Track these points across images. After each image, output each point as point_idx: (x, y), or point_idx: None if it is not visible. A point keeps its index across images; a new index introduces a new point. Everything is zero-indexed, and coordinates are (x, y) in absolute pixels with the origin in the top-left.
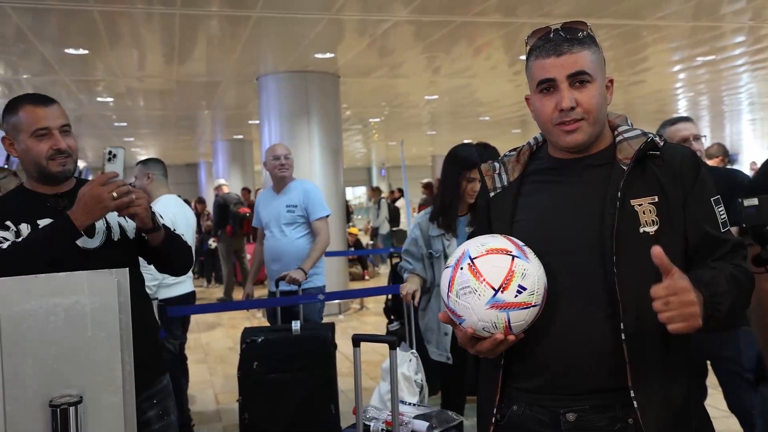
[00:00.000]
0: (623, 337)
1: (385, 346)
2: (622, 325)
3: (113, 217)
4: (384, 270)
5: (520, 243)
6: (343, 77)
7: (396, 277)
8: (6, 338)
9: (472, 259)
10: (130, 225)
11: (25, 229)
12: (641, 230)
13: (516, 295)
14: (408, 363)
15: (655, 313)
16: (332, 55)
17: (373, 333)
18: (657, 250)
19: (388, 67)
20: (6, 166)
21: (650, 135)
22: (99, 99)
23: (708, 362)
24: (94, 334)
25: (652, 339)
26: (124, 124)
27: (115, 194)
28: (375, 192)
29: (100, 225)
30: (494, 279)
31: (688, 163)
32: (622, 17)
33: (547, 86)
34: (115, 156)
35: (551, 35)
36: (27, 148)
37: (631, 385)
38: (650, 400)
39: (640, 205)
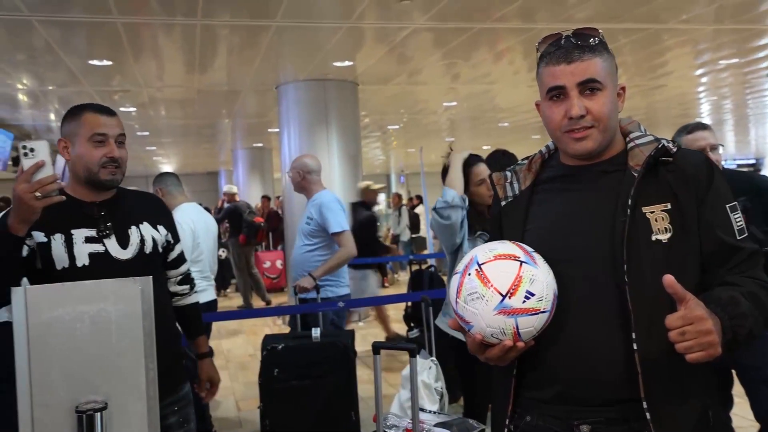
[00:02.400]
0: (635, 347)
1: (404, 354)
2: (633, 334)
3: (147, 230)
4: (404, 277)
5: (530, 249)
6: (362, 85)
7: (416, 284)
8: (34, 345)
9: (479, 265)
10: (160, 237)
11: (59, 239)
12: (653, 238)
13: (524, 301)
14: (428, 371)
15: None
16: (351, 63)
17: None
18: (669, 279)
19: (407, 75)
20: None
21: (662, 141)
22: (122, 109)
23: (733, 371)
24: (118, 341)
25: (665, 349)
26: (147, 133)
27: (38, 194)
28: (396, 199)
29: (134, 237)
30: (502, 284)
31: (701, 170)
32: (643, 21)
33: (556, 93)
34: (33, 150)
35: (562, 41)
36: (81, 153)
37: (644, 396)
38: (663, 411)
39: (652, 212)
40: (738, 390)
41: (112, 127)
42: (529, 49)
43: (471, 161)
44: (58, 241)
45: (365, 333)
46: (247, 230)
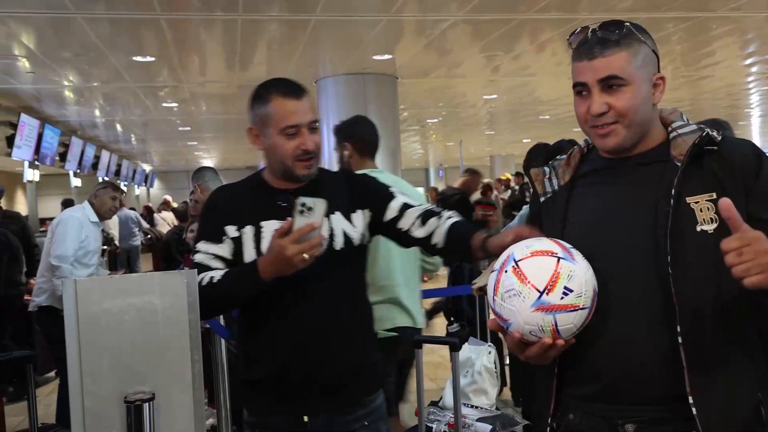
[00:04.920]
0: (680, 341)
1: (445, 348)
2: (678, 327)
3: (338, 223)
4: (443, 272)
5: (567, 245)
6: (401, 78)
7: (456, 278)
8: (84, 336)
9: (516, 262)
10: (356, 232)
11: (249, 232)
12: (699, 229)
13: (562, 297)
14: (488, 355)
15: (716, 315)
16: (390, 56)
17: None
18: (725, 202)
19: (446, 67)
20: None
21: (706, 129)
22: (164, 104)
23: None
24: (164, 333)
25: (711, 343)
26: (188, 128)
27: (306, 256)
28: (434, 193)
29: (323, 231)
30: (539, 281)
31: (749, 158)
32: (690, 9)
33: (581, 89)
34: (310, 209)
35: (588, 36)
36: (274, 145)
37: (690, 392)
38: (711, 408)
39: (696, 202)
40: None
41: (303, 114)
42: None
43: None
44: (248, 234)
45: None
46: None
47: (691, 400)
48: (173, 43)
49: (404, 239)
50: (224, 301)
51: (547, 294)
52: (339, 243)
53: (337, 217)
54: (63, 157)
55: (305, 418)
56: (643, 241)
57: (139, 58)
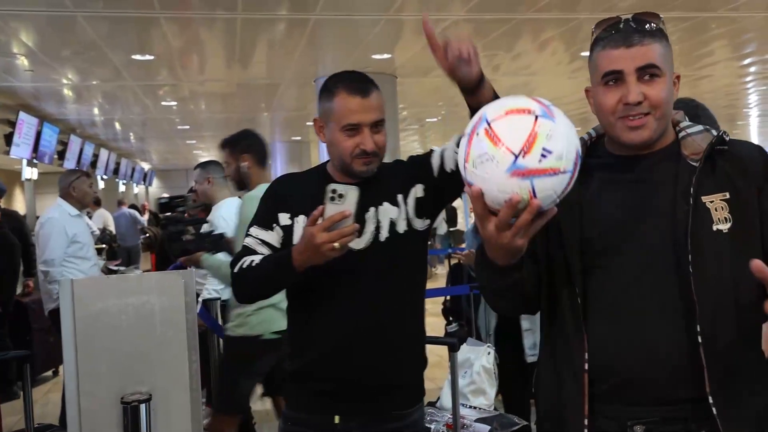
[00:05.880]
0: (700, 340)
1: (444, 348)
2: (698, 327)
3: (385, 214)
4: (441, 271)
5: (547, 102)
6: (401, 78)
7: (455, 278)
8: (81, 336)
9: (488, 123)
10: (401, 217)
11: (300, 222)
12: (714, 228)
13: (540, 160)
14: (487, 356)
15: (734, 314)
16: (390, 55)
17: (431, 334)
18: (758, 264)
19: None
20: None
21: (712, 130)
22: (163, 103)
23: None
24: (162, 333)
25: (732, 341)
26: (187, 126)
27: (337, 245)
28: None
29: (369, 226)
30: (514, 142)
31: (758, 159)
32: (691, 9)
33: (613, 78)
34: (342, 196)
35: (621, 25)
36: (334, 140)
37: (710, 392)
38: (731, 407)
39: (711, 202)
40: None
41: (366, 113)
42: (570, 40)
43: None
44: (300, 224)
45: None
46: None
47: (711, 400)
48: (173, 42)
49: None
50: (259, 286)
51: (524, 157)
52: (384, 234)
53: (384, 208)
54: (61, 155)
55: (336, 419)
56: (662, 240)
57: (138, 57)
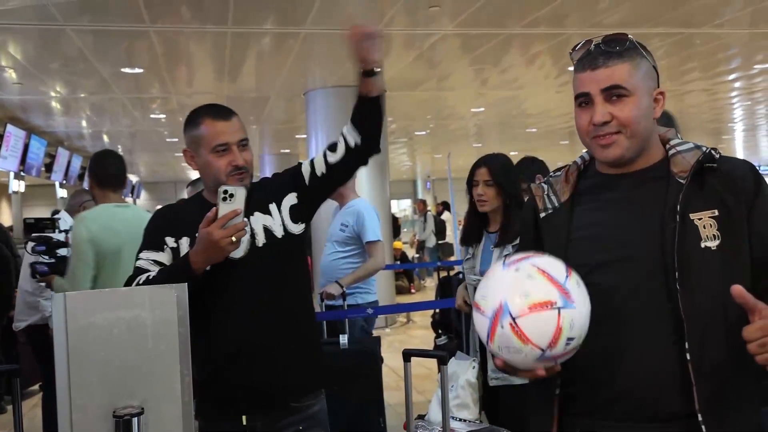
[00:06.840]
0: (688, 357)
1: (433, 361)
2: (686, 344)
3: (258, 221)
4: (430, 283)
5: (562, 280)
6: (390, 91)
7: (444, 290)
8: (73, 350)
9: (513, 318)
10: (276, 223)
11: (185, 243)
12: (703, 245)
13: (565, 348)
14: (472, 370)
15: (723, 330)
16: (379, 69)
17: (420, 347)
18: (738, 290)
19: (435, 80)
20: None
21: (703, 147)
22: (152, 116)
23: None
24: (154, 347)
25: (720, 359)
26: (176, 139)
27: (234, 239)
28: (422, 205)
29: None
30: (541, 340)
31: (748, 176)
32: (676, 26)
33: (584, 100)
34: (232, 196)
35: (591, 48)
36: (207, 163)
37: (699, 409)
38: (720, 424)
39: (700, 219)
40: None
41: (232, 134)
42: (558, 55)
43: (477, 163)
44: (184, 245)
45: (392, 339)
46: None
47: (700, 418)
48: (162, 55)
49: (335, 175)
50: None
51: (551, 349)
52: (261, 240)
53: (256, 217)
54: (49, 167)
55: (244, 419)
56: (650, 257)
57: (127, 70)
